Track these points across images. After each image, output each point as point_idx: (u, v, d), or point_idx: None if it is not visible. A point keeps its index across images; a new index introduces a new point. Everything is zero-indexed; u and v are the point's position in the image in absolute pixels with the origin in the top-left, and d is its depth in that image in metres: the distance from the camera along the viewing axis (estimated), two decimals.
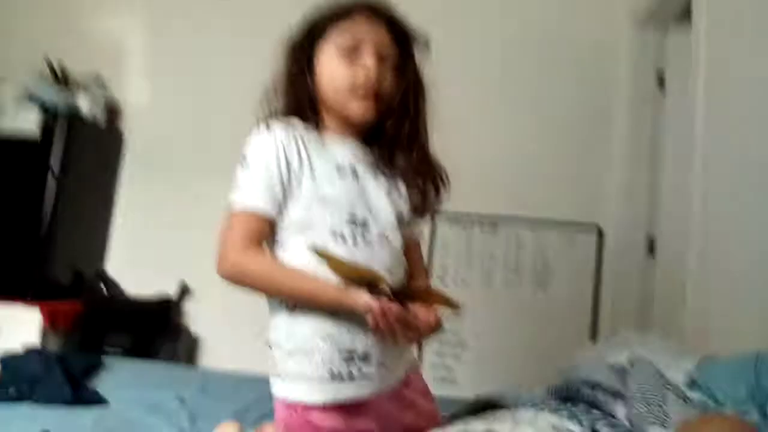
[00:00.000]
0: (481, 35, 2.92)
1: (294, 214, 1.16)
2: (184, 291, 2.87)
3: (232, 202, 1.15)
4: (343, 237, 1.15)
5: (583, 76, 2.90)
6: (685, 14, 2.36)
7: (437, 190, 1.28)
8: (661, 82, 2.69)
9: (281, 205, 1.16)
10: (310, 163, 1.18)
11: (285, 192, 1.15)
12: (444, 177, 1.29)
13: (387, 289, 1.08)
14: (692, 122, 1.99)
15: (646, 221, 2.64)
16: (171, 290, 2.85)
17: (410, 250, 1.31)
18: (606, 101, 2.86)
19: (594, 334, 2.71)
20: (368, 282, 1.08)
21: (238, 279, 1.13)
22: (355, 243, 1.16)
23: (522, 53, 2.93)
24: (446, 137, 1.28)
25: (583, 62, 2.91)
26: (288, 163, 1.16)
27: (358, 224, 1.18)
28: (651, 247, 2.62)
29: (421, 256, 1.41)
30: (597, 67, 2.90)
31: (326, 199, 1.16)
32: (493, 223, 2.85)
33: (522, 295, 2.79)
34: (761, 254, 1.58)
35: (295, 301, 1.14)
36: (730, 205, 1.78)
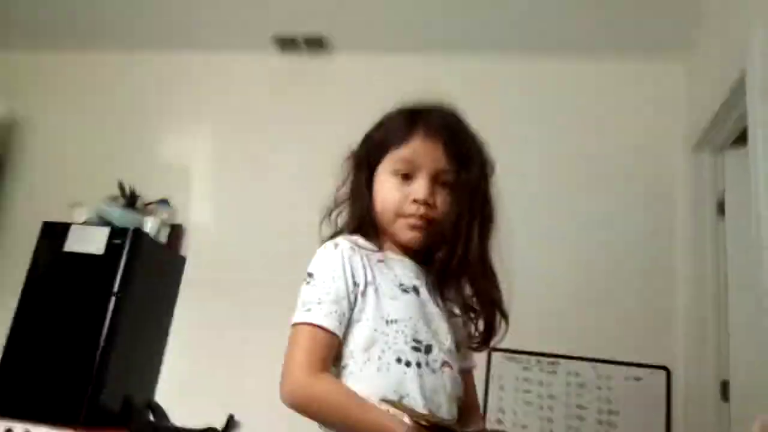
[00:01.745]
0: (541, 166, 2.94)
1: (358, 335, 1.10)
2: (231, 423, 2.79)
3: (296, 320, 1.09)
4: (408, 363, 1.08)
5: (644, 206, 2.85)
6: (741, 137, 2.33)
7: (490, 328, 1.19)
8: (721, 208, 2.60)
9: (346, 324, 1.09)
10: (375, 281, 1.13)
11: (351, 309, 1.10)
12: (501, 311, 1.19)
13: None
14: (758, 251, 1.88)
15: (717, 362, 2.47)
16: (219, 423, 2.77)
17: (464, 381, 1.22)
18: (667, 232, 2.78)
19: None
20: (441, 428, 0.98)
21: (304, 402, 1.03)
22: (419, 369, 1.09)
23: (580, 184, 2.92)
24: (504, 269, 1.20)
25: (643, 190, 2.87)
26: (355, 281, 1.11)
27: (423, 350, 1.11)
28: (724, 391, 2.42)
29: (474, 388, 1.30)
30: (656, 195, 2.85)
31: (391, 318, 1.11)
32: (553, 362, 2.71)
33: None
34: None
35: (352, 428, 1.04)
36: None
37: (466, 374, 1.25)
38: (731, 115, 2.36)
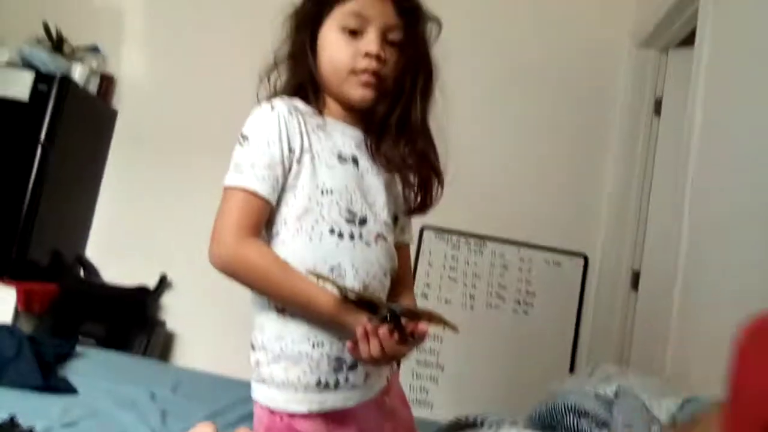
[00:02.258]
0: (484, 52, 2.89)
1: (292, 203, 1.09)
2: (163, 283, 2.81)
3: (228, 183, 1.06)
4: (341, 235, 1.08)
5: (580, 99, 2.89)
6: (687, 40, 2.36)
7: (427, 188, 1.19)
8: (657, 108, 2.68)
9: (279, 190, 1.08)
10: (311, 148, 1.10)
11: (286, 174, 1.08)
12: (437, 174, 1.18)
13: (386, 313, 0.97)
14: (686, 153, 1.98)
15: (632, 253, 2.64)
16: (152, 282, 2.78)
17: (400, 257, 1.23)
18: (602, 126, 2.85)
19: (573, 362, 2.71)
20: (368, 304, 1.00)
21: (232, 268, 1.03)
22: (353, 242, 1.09)
23: (522, 73, 2.90)
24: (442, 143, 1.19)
25: (580, 83, 2.89)
26: (290, 145, 1.08)
27: (357, 222, 1.10)
28: (635, 281, 2.61)
29: (408, 263, 1.30)
30: (595, 89, 2.89)
31: (326, 188, 1.09)
32: (480, 242, 2.82)
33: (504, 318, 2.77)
34: (745, 294, 1.55)
35: (288, 304, 1.06)
36: (718, 242, 1.77)
37: (402, 248, 1.25)
38: (681, 15, 2.37)
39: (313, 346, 1.06)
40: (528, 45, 2.91)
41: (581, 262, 2.77)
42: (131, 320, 2.62)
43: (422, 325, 0.97)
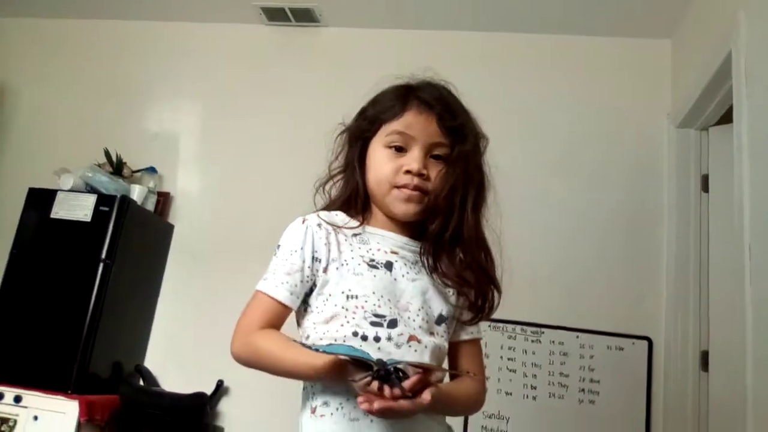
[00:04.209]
0: (529, 142, 2.97)
1: (321, 309, 1.15)
2: (220, 389, 2.82)
3: (256, 287, 1.17)
4: (365, 337, 1.11)
5: (627, 182, 2.90)
6: (725, 116, 2.38)
7: (484, 299, 1.21)
8: (705, 184, 2.67)
9: (300, 296, 1.16)
10: (340, 257, 1.16)
11: (306, 282, 1.16)
12: (494, 284, 1.21)
13: (376, 369, 0.98)
14: (740, 227, 1.95)
15: (698, 333, 2.55)
16: (209, 389, 2.79)
17: (462, 355, 1.25)
18: (652, 207, 2.83)
19: None
20: (356, 363, 1.00)
21: (245, 354, 1.13)
22: (378, 343, 1.11)
23: (567, 159, 2.95)
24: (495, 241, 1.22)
25: (626, 167, 2.91)
26: (315, 256, 1.16)
27: (385, 324, 1.13)
28: (704, 361, 2.51)
29: (474, 357, 1.29)
30: (641, 171, 2.90)
31: (351, 293, 1.13)
32: (537, 330, 2.77)
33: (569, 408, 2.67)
34: None
35: (293, 376, 1.11)
36: None
37: (465, 345, 1.27)
38: (716, 94, 2.41)
39: None
40: (571, 134, 2.98)
41: (645, 345, 2.68)
42: (190, 428, 2.63)
43: (407, 382, 0.97)
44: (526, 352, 2.74)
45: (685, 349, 2.56)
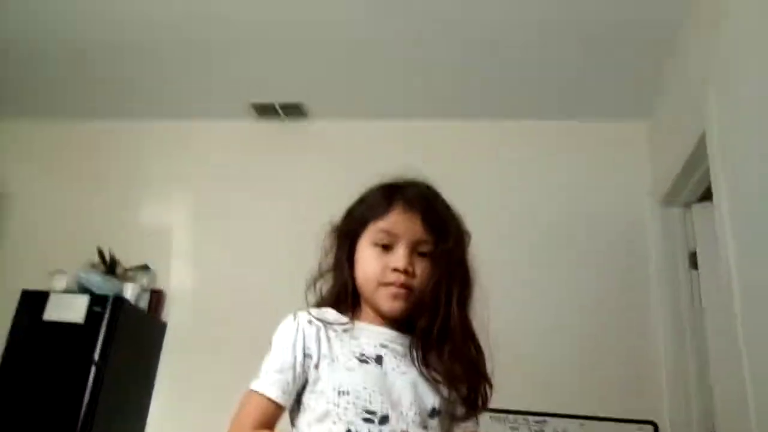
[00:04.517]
0: (514, 228, 3.01)
1: (314, 405, 1.14)
2: None
3: (250, 385, 1.17)
4: None
5: (615, 264, 2.90)
6: (706, 193, 2.42)
7: (476, 393, 1.20)
8: (693, 261, 2.68)
9: (292, 394, 1.15)
10: (331, 352, 1.17)
11: (298, 380, 1.15)
12: (485, 378, 1.21)
13: None
14: (730, 304, 1.95)
15: (703, 414, 2.49)
16: None
17: None
18: (642, 286, 2.83)
19: None
20: None
21: None
22: None
23: (553, 246, 2.98)
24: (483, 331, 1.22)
25: (613, 249, 2.93)
26: (305, 352, 1.16)
27: (377, 420, 1.11)
28: None
29: None
30: (628, 252, 2.92)
31: (343, 389, 1.13)
32: (540, 420, 2.70)
33: None
34: None
35: None
36: None
37: None
38: (695, 173, 2.46)
39: None
40: (554, 218, 3.02)
41: (651, 430, 2.61)
42: None
43: None
44: None
45: (691, 430, 2.49)
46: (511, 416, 2.71)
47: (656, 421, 2.63)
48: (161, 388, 3.04)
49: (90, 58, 3.12)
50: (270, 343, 1.20)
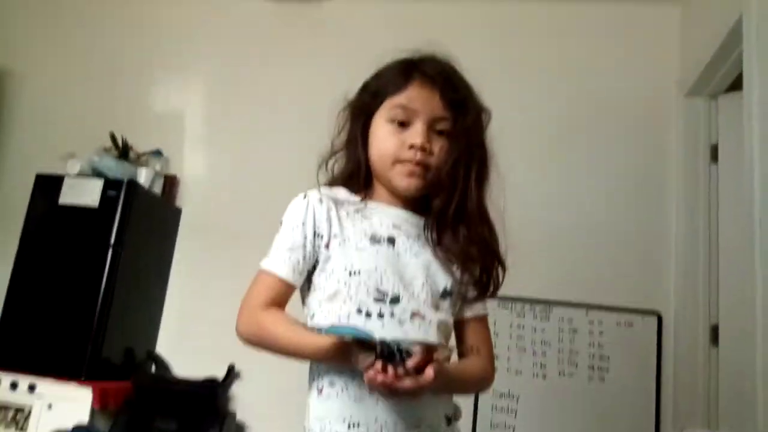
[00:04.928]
0: (533, 111, 2.90)
1: (324, 284, 1.15)
2: (231, 374, 2.82)
3: (260, 264, 1.17)
4: (368, 314, 1.11)
5: (635, 153, 2.84)
6: (735, 84, 2.32)
7: (489, 275, 1.21)
8: (714, 154, 2.61)
9: (302, 272, 1.15)
10: (342, 232, 1.16)
11: (308, 258, 1.15)
12: (498, 260, 1.20)
13: (377, 349, 0.98)
14: (750, 197, 1.90)
15: (707, 307, 2.51)
16: (221, 374, 2.80)
17: (468, 333, 1.25)
18: (660, 177, 2.78)
19: (657, 427, 2.54)
20: (360, 343, 1.00)
21: (249, 333, 1.13)
22: (381, 320, 1.11)
23: (572, 130, 2.90)
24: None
25: (633, 137, 2.85)
26: (316, 231, 1.15)
27: (388, 301, 1.12)
28: (714, 336, 2.47)
29: (481, 334, 1.27)
30: (648, 141, 2.85)
31: (354, 269, 1.13)
32: (546, 304, 2.74)
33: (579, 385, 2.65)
34: None
35: (297, 356, 1.11)
36: None
37: (471, 322, 1.26)
38: (726, 61, 2.34)
39: (349, 426, 1.08)
40: (576, 104, 2.92)
41: (654, 321, 2.65)
42: (202, 413, 2.64)
43: (410, 361, 0.97)
44: (535, 330, 2.72)
45: (695, 324, 2.51)
46: (518, 305, 2.75)
47: (661, 312, 2.66)
48: (177, 272, 3.10)
49: None
50: (280, 223, 1.19)
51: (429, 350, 0.99)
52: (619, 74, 2.91)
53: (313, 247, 1.15)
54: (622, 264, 2.74)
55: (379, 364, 0.97)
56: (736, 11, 2.10)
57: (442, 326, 1.18)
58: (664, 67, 2.86)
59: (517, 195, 2.49)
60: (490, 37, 3.03)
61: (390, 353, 0.97)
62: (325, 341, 1.03)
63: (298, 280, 1.16)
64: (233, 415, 2.77)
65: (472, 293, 1.22)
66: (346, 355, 1.01)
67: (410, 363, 0.97)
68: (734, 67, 2.28)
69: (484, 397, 2.64)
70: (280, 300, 1.15)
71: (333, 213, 1.17)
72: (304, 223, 1.16)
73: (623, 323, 2.67)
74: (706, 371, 2.45)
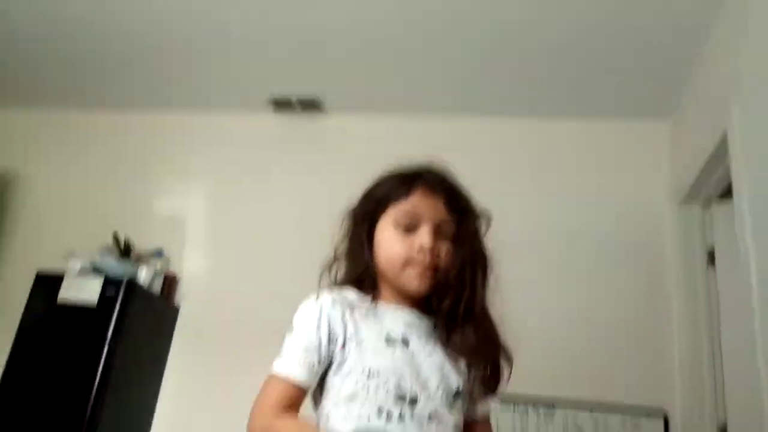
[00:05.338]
0: (531, 222, 2.99)
1: (341, 386, 1.14)
2: None
3: (272, 369, 1.15)
4: (389, 415, 1.10)
5: (633, 260, 2.90)
6: (727, 191, 2.40)
7: (496, 372, 1.22)
8: (711, 259, 2.67)
9: (317, 375, 1.14)
10: (357, 334, 1.16)
11: (323, 361, 1.14)
12: (505, 357, 1.23)
13: None
14: (748, 301, 1.94)
15: (715, 406, 2.50)
16: None
17: (475, 429, 1.25)
18: (659, 282, 2.84)
19: None
20: None
21: None
22: (402, 422, 1.10)
23: (572, 240, 2.98)
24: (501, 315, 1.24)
25: (632, 246, 2.93)
26: (330, 333, 1.15)
27: (407, 401, 1.12)
28: None
29: None
30: (646, 249, 2.92)
31: (372, 371, 1.13)
32: (550, 405, 2.71)
33: None
34: None
35: None
36: None
37: (477, 424, 1.27)
38: (716, 171, 2.46)
39: None
40: (576, 212, 3.01)
41: (661, 421, 2.61)
42: None
43: None
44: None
45: (702, 424, 2.48)
46: (520, 405, 2.71)
47: (667, 411, 2.63)
48: (172, 372, 3.05)
49: (108, 48, 3.11)
50: (291, 326, 1.18)
51: None
52: (615, 185, 3.04)
53: (328, 350, 1.15)
54: (626, 365, 2.73)
55: None
56: (721, 127, 2.23)
57: (456, 428, 1.18)
58: (657, 178, 3.00)
59: (519, 301, 2.53)
60: (489, 151, 3.18)
61: None
62: None
63: (312, 383, 1.15)
64: None
65: (480, 390, 1.24)
66: None
67: None
68: (724, 176, 2.38)
69: None
70: (294, 403, 1.13)
71: (347, 315, 1.18)
72: (318, 327, 1.15)
73: (630, 424, 2.62)
74: None
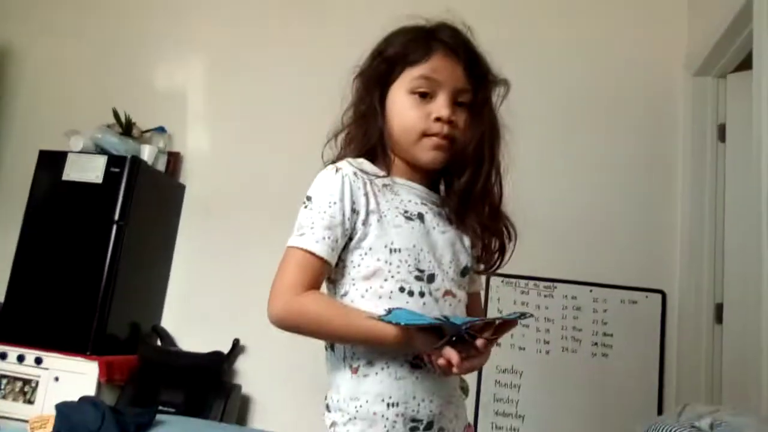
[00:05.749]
0: (540, 90, 2.87)
1: (360, 263, 1.09)
2: (236, 348, 2.85)
3: (289, 243, 1.08)
4: (411, 293, 1.08)
5: (642, 133, 2.83)
6: (743, 63, 2.31)
7: (502, 248, 1.19)
8: (722, 134, 2.61)
9: (339, 251, 1.09)
10: (378, 209, 1.10)
11: (346, 237, 1.09)
12: (512, 234, 1.19)
13: (450, 336, 0.98)
14: (757, 177, 1.90)
15: (712, 285, 2.52)
16: (226, 347, 2.82)
17: (471, 305, 1.24)
18: (667, 157, 2.78)
19: (660, 405, 2.57)
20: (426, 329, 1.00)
21: (290, 320, 1.05)
22: (422, 299, 1.09)
23: (580, 110, 2.89)
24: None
25: (641, 118, 2.84)
26: (354, 208, 1.08)
27: (425, 279, 1.10)
28: (719, 314, 2.48)
29: (480, 310, 1.32)
30: (656, 121, 2.83)
31: (394, 248, 1.09)
32: (550, 285, 2.75)
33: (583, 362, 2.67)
34: None
35: (351, 342, 1.07)
36: None
37: (473, 297, 1.26)
38: (735, 40, 2.33)
39: (388, 406, 1.05)
40: (584, 83, 2.90)
41: (659, 298, 2.66)
42: (207, 386, 2.66)
43: (480, 341, 0.97)
44: (539, 306, 2.73)
45: (699, 302, 2.53)
46: (522, 281, 2.76)
47: (665, 290, 2.67)
48: (182, 247, 3.11)
49: None
50: (308, 198, 1.10)
51: (496, 328, 1.00)
52: (628, 54, 2.89)
53: (351, 224, 1.09)
54: (629, 243, 2.74)
55: (449, 351, 0.97)
56: None
57: (464, 304, 1.18)
58: (673, 47, 2.85)
59: (525, 175, 2.50)
60: (497, 14, 2.98)
61: (459, 336, 0.97)
62: (391, 330, 1.00)
63: (335, 259, 1.09)
64: (239, 388, 2.80)
65: (480, 267, 1.22)
66: (412, 341, 1.00)
67: (480, 343, 0.97)
68: (743, 46, 2.27)
69: (487, 372, 2.67)
70: (317, 281, 1.08)
71: (369, 187, 1.11)
72: (342, 199, 1.08)
73: (627, 301, 2.68)
74: (710, 349, 2.47)
